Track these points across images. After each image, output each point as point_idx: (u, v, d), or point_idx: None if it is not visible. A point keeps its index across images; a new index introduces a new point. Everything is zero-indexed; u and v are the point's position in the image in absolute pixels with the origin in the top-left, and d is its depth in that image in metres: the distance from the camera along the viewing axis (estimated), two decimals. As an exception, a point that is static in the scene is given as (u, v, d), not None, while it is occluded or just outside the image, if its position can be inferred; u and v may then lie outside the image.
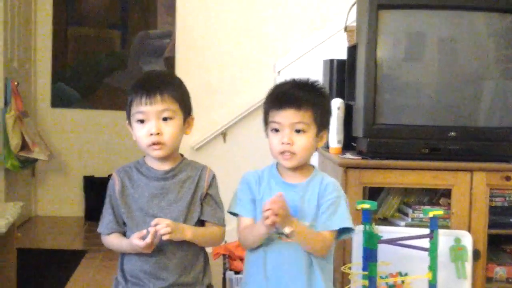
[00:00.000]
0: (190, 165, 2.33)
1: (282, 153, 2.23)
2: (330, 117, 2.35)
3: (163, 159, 2.27)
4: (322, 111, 2.28)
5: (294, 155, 2.23)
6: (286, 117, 2.21)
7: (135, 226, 2.25)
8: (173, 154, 2.29)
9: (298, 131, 2.22)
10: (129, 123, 2.28)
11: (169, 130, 2.21)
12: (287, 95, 2.25)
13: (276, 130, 2.24)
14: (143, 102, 2.19)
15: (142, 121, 2.21)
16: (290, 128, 2.22)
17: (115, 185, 2.30)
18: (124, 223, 2.30)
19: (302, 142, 2.22)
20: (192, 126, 2.32)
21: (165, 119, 2.21)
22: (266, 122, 2.29)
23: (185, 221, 2.24)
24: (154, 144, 2.21)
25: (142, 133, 2.22)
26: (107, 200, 2.32)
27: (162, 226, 2.11)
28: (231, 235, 4.16)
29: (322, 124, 2.28)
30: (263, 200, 2.22)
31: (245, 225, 2.31)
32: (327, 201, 2.25)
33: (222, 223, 2.35)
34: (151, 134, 2.20)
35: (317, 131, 2.25)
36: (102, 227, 2.32)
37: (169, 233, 2.12)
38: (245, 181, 2.35)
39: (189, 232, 2.21)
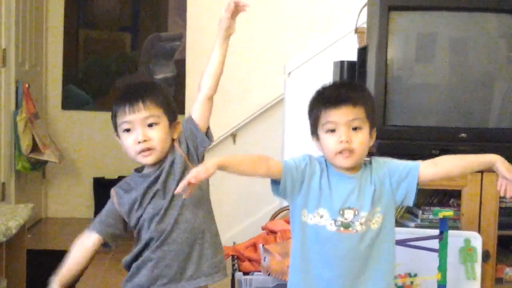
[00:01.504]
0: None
1: (340, 152, 2.19)
2: (376, 116, 2.32)
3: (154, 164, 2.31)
4: (372, 108, 2.27)
5: (353, 153, 2.19)
6: (342, 115, 2.19)
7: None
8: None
9: (354, 128, 2.19)
10: (117, 134, 2.32)
11: (155, 134, 2.24)
12: (340, 93, 2.24)
13: (332, 131, 2.21)
14: (127, 111, 2.23)
15: (128, 130, 2.25)
16: (346, 126, 2.18)
17: (113, 199, 2.36)
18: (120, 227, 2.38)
19: (359, 139, 2.19)
20: (178, 130, 2.34)
21: (150, 125, 2.24)
22: (316, 126, 2.25)
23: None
24: (143, 151, 2.24)
25: (129, 142, 2.26)
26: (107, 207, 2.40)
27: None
28: (239, 237, 4.18)
29: (373, 121, 2.26)
30: (321, 192, 2.21)
31: (271, 162, 2.22)
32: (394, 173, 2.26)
33: None
34: (139, 142, 2.23)
35: (369, 128, 2.24)
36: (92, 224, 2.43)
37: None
38: (308, 160, 2.26)
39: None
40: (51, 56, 6.57)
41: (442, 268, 2.87)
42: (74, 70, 6.66)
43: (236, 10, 2.37)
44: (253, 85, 5.18)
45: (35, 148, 5.54)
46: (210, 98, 2.33)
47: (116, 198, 2.35)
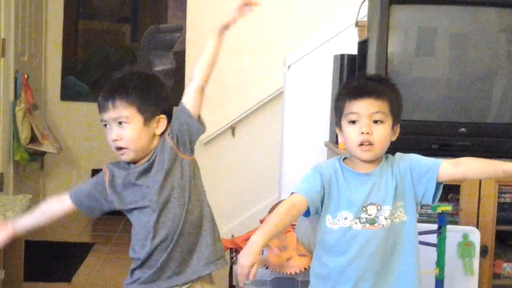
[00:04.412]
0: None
1: (361, 145, 2.19)
2: (402, 111, 2.31)
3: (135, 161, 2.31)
4: (397, 103, 2.26)
5: (372, 147, 2.19)
6: (365, 106, 2.19)
7: (125, 204, 2.32)
8: (145, 155, 2.30)
9: (376, 122, 2.19)
10: None
11: (126, 134, 2.24)
12: (366, 85, 2.24)
13: (353, 122, 2.21)
14: (101, 109, 2.26)
15: (106, 125, 2.27)
16: (368, 118, 2.18)
17: (105, 176, 2.34)
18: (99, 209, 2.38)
19: (380, 132, 2.19)
20: (163, 125, 2.30)
21: (120, 123, 2.24)
22: (340, 116, 2.26)
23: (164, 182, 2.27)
24: (117, 149, 2.26)
25: (108, 137, 2.28)
26: (93, 182, 2.38)
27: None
28: (237, 230, 4.18)
29: (397, 117, 2.26)
30: (339, 194, 2.21)
31: (293, 202, 2.19)
32: (416, 168, 2.24)
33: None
34: (113, 140, 2.25)
35: (392, 123, 2.23)
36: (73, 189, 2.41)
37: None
38: (319, 170, 2.25)
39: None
40: (50, 47, 6.55)
41: (440, 262, 2.87)
42: (73, 61, 6.65)
43: (245, 10, 2.45)
44: (253, 78, 5.17)
45: (33, 139, 5.53)
46: (202, 89, 2.30)
47: (108, 176, 2.33)
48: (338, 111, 2.27)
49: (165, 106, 2.32)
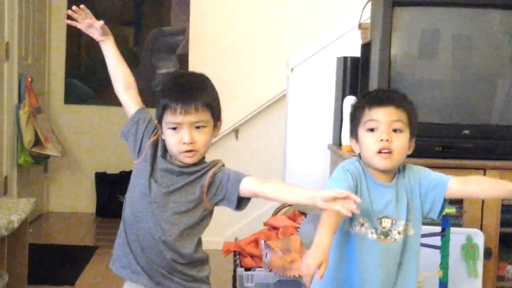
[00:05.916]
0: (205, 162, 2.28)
1: (379, 152, 2.17)
2: (416, 126, 2.29)
3: None
4: (414, 117, 2.26)
5: (391, 155, 2.17)
6: (386, 114, 2.18)
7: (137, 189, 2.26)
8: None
9: (395, 130, 2.18)
10: (159, 123, 2.25)
11: (201, 138, 2.19)
12: (386, 94, 2.26)
13: (372, 130, 2.20)
14: (177, 112, 2.16)
15: (174, 129, 2.19)
16: (388, 126, 2.17)
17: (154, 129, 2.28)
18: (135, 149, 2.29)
19: (400, 141, 2.18)
20: (219, 129, 2.30)
21: (197, 127, 2.19)
22: (357, 125, 2.25)
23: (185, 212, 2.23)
24: (186, 151, 2.19)
25: (174, 140, 2.19)
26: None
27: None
28: (241, 233, 4.17)
29: (414, 130, 2.25)
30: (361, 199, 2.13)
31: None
32: (425, 184, 2.24)
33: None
34: (184, 143, 2.18)
35: (409, 135, 2.23)
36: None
37: None
38: (347, 169, 2.22)
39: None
40: (54, 50, 6.56)
41: (444, 265, 2.86)
42: (76, 64, 6.65)
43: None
44: (256, 80, 5.18)
45: (37, 142, 5.54)
46: (256, 195, 2.24)
47: (158, 136, 2.26)
48: (355, 121, 2.27)
49: (220, 110, 2.29)
